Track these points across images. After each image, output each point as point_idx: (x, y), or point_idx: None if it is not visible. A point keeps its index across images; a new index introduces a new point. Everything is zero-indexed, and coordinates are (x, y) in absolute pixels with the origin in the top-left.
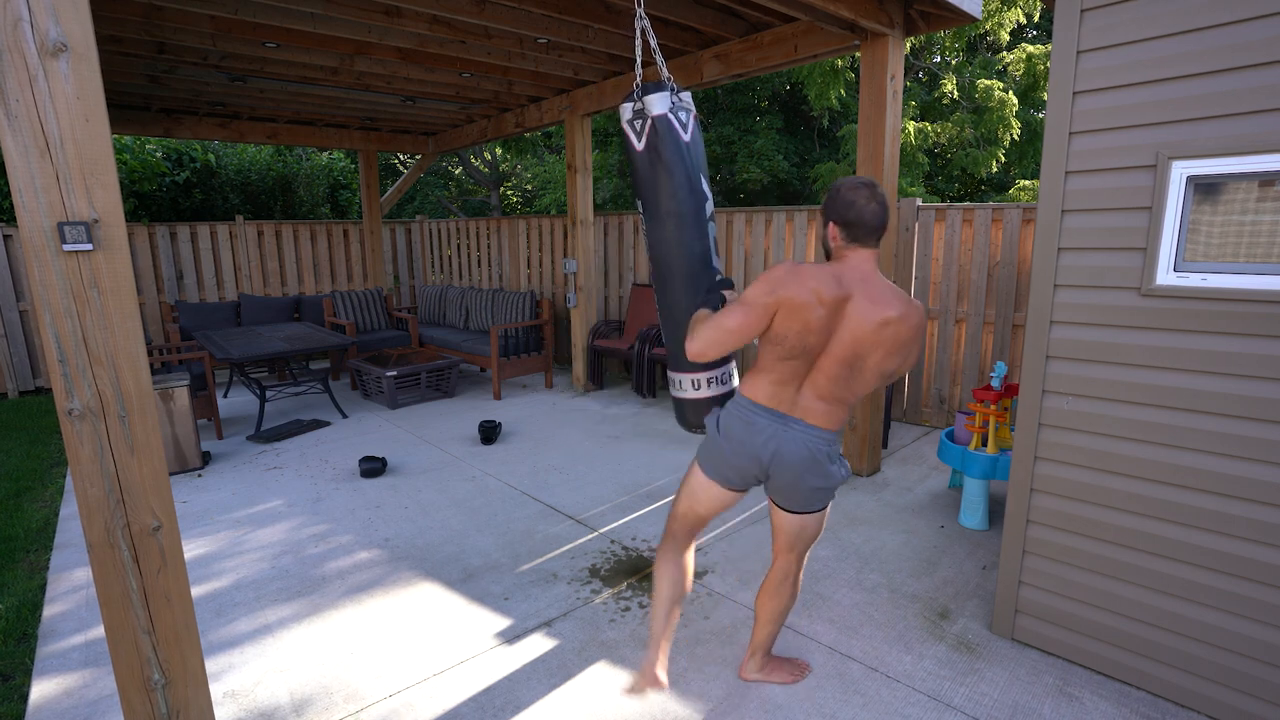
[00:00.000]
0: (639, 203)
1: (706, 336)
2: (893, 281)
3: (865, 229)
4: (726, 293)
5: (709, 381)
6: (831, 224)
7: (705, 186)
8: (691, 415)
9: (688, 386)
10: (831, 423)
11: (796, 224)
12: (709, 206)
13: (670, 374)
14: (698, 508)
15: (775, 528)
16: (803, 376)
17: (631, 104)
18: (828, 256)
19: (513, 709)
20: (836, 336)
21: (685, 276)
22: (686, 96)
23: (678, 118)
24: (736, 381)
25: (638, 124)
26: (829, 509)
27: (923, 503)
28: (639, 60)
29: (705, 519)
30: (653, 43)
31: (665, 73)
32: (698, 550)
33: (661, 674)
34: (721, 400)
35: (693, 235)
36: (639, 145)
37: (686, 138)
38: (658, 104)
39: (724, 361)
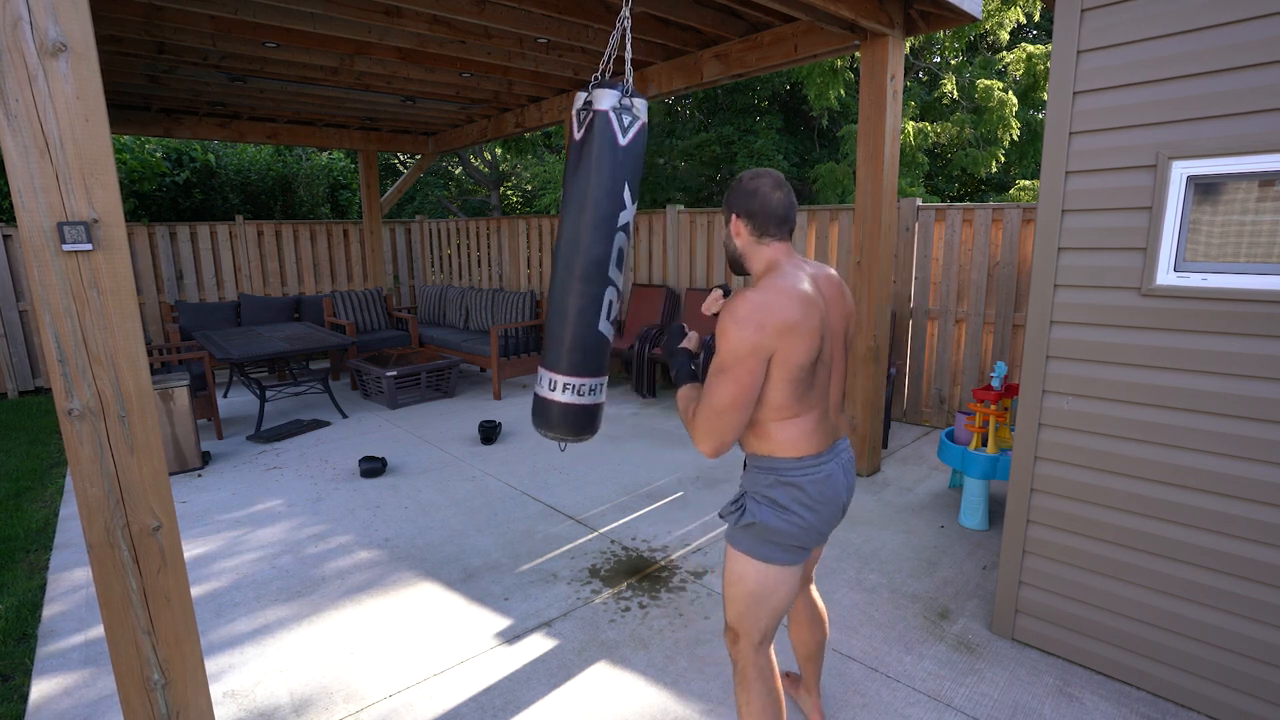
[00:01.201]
0: (564, 190)
1: (708, 431)
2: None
3: (773, 219)
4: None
5: (565, 387)
6: (735, 218)
7: (627, 196)
8: (544, 416)
9: (545, 385)
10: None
11: (797, 224)
12: (624, 216)
13: (539, 368)
14: (785, 604)
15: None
16: (827, 395)
17: (585, 94)
18: (733, 265)
19: (513, 709)
20: (833, 330)
21: (579, 276)
22: (640, 104)
23: (620, 119)
24: (604, 398)
25: (583, 114)
26: None
27: (923, 503)
28: (610, 55)
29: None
30: (628, 45)
31: (629, 78)
32: (698, 551)
33: None
34: (584, 411)
35: (597, 237)
36: (576, 134)
37: (623, 141)
38: (604, 99)
39: (594, 374)
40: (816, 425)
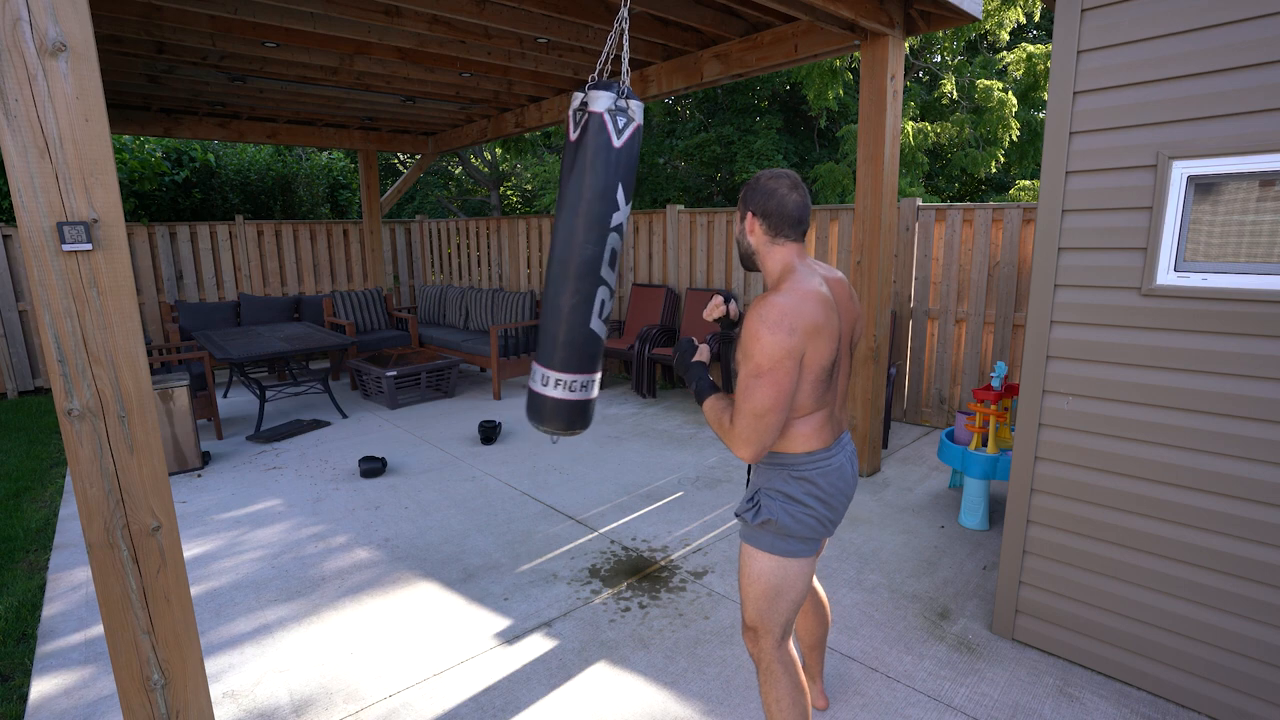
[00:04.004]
0: (559, 190)
1: (750, 435)
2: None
3: (788, 220)
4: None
5: (557, 383)
6: (750, 215)
7: (620, 197)
8: (538, 410)
9: (538, 381)
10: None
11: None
12: (617, 217)
13: (533, 364)
14: (802, 595)
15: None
16: (834, 394)
17: (581, 95)
18: (744, 261)
19: (512, 709)
20: (842, 331)
21: (573, 275)
22: (636, 106)
23: (614, 121)
24: (595, 394)
25: (578, 115)
26: None
27: (923, 503)
28: (608, 55)
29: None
30: (625, 46)
31: (625, 78)
32: (698, 551)
33: None
34: (575, 406)
35: (590, 237)
36: (572, 135)
37: (617, 143)
38: (598, 101)
39: (586, 371)
40: (826, 420)
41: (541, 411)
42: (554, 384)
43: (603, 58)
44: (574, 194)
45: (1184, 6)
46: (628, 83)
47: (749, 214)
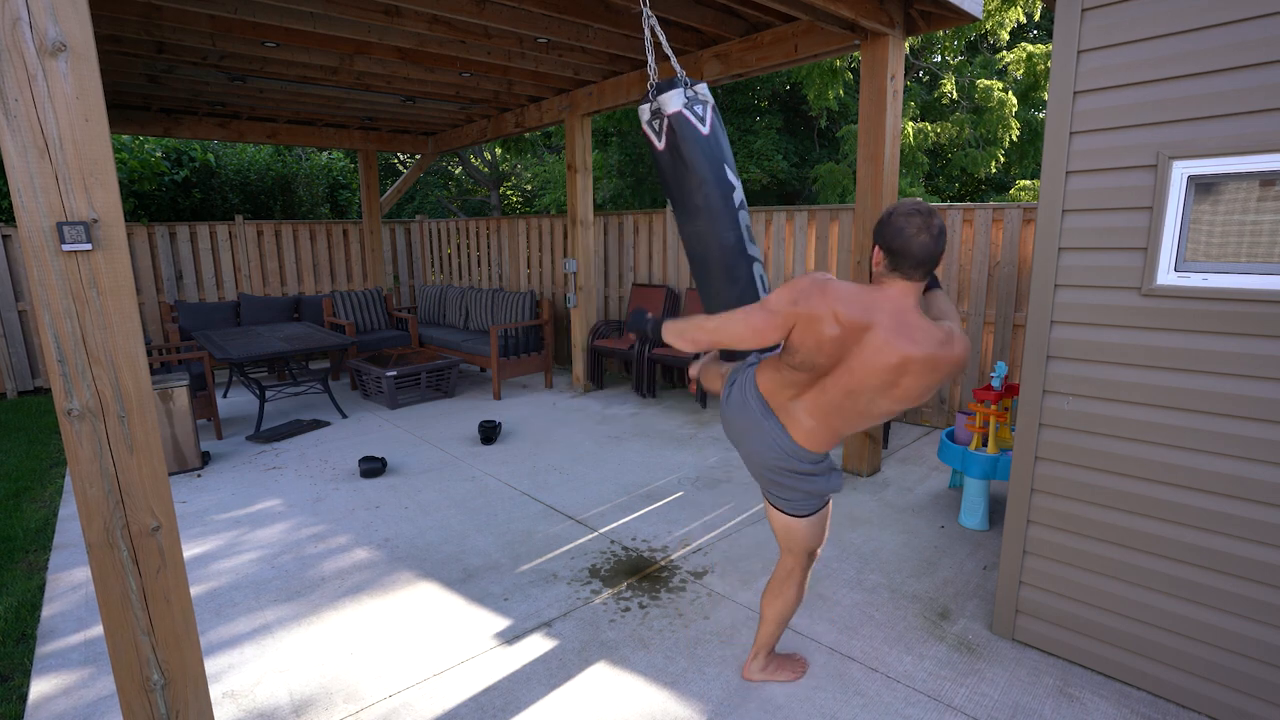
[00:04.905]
0: (669, 200)
1: (706, 325)
2: None
3: (911, 261)
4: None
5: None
6: (878, 248)
7: (731, 176)
8: None
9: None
10: (813, 443)
11: (796, 224)
12: (738, 195)
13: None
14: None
15: (769, 523)
16: (803, 388)
17: (649, 104)
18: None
19: (512, 709)
20: (845, 364)
21: (722, 268)
22: (703, 88)
23: (694, 112)
24: None
25: (656, 124)
26: (828, 516)
27: (923, 503)
28: (651, 58)
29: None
30: (663, 39)
31: (679, 69)
32: (698, 550)
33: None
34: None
35: (724, 226)
36: (660, 144)
37: (705, 130)
38: (672, 102)
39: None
40: (775, 382)
41: None
42: None
43: (650, 64)
44: (689, 196)
45: (1184, 6)
46: (681, 71)
47: (876, 246)
